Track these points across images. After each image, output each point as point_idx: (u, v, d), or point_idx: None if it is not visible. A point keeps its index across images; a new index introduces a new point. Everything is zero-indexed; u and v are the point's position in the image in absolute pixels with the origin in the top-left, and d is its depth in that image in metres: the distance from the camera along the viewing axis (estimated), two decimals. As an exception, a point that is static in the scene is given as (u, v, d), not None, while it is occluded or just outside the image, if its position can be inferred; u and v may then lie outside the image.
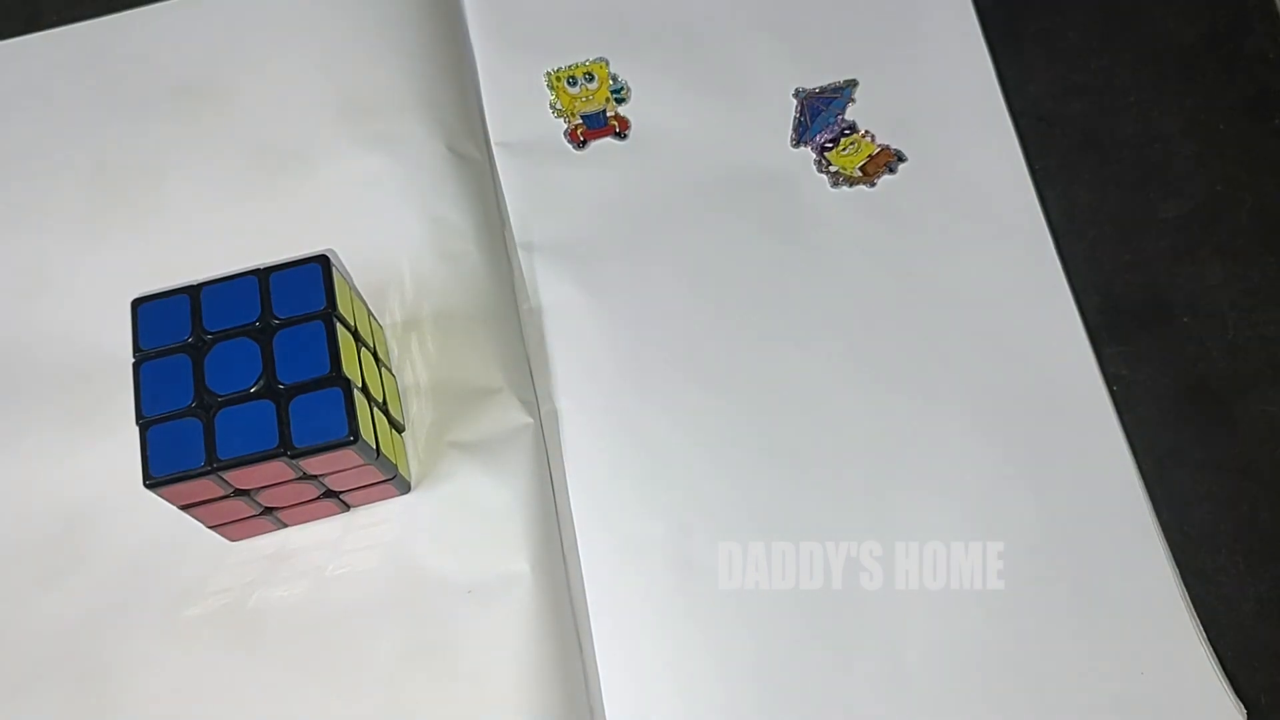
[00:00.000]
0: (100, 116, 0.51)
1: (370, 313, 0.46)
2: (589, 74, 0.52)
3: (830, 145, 0.50)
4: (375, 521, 0.44)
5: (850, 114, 0.51)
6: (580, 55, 0.53)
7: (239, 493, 0.40)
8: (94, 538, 0.44)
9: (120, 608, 0.44)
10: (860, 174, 0.50)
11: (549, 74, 0.52)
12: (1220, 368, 0.47)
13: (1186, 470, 0.45)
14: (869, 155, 0.50)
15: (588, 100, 0.52)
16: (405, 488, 0.44)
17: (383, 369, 0.45)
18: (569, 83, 0.52)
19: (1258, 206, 0.49)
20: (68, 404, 0.46)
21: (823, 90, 0.51)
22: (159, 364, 0.40)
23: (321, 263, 0.41)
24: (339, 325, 0.41)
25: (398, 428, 0.45)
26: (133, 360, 0.40)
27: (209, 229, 0.49)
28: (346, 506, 0.44)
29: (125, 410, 0.40)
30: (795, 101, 0.51)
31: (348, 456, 0.40)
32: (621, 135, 0.51)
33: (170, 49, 0.53)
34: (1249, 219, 0.49)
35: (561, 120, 0.52)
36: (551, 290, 0.49)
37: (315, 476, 0.41)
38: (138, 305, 0.41)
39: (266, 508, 0.42)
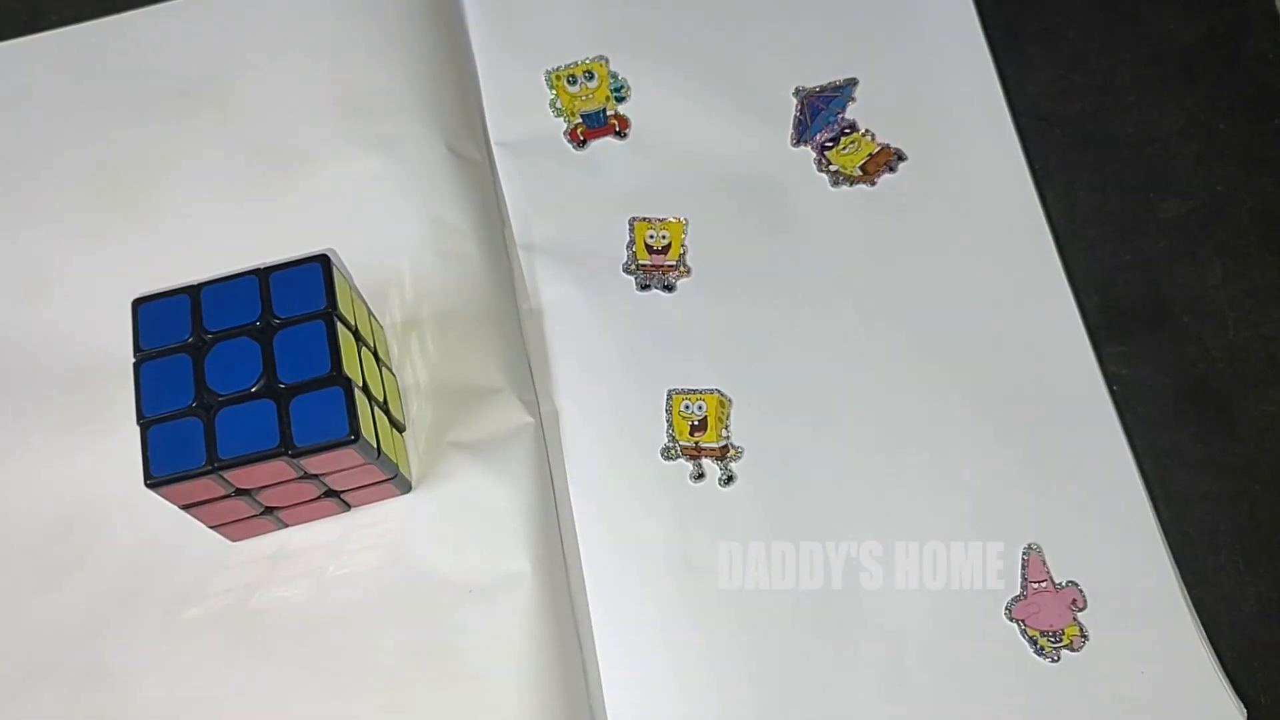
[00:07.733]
0: (100, 117, 0.51)
1: (370, 312, 0.46)
2: (589, 73, 0.52)
3: (830, 144, 0.50)
4: (376, 521, 0.44)
5: (850, 113, 0.51)
6: (580, 54, 0.53)
7: (240, 492, 0.40)
8: (95, 538, 0.44)
9: (121, 608, 0.44)
10: (860, 173, 0.50)
11: (549, 73, 0.52)
12: (1220, 367, 0.47)
13: (1186, 470, 0.45)
14: (869, 154, 0.50)
15: (588, 99, 0.52)
16: (406, 487, 0.44)
17: (383, 368, 0.45)
18: (569, 82, 0.52)
19: (1258, 206, 0.49)
20: (68, 404, 0.46)
21: (823, 89, 0.51)
22: (159, 364, 0.40)
23: (322, 262, 0.41)
24: (339, 325, 0.41)
25: (398, 427, 0.45)
26: (133, 360, 0.40)
27: (209, 229, 0.49)
28: (347, 506, 0.44)
29: (126, 410, 0.40)
30: (795, 100, 0.51)
31: (348, 456, 0.40)
32: (621, 134, 0.51)
33: (170, 50, 0.53)
34: (1249, 219, 0.49)
35: (561, 119, 0.52)
36: (551, 290, 0.49)
37: (316, 476, 0.41)
38: (138, 305, 0.41)
39: (267, 507, 0.42)
